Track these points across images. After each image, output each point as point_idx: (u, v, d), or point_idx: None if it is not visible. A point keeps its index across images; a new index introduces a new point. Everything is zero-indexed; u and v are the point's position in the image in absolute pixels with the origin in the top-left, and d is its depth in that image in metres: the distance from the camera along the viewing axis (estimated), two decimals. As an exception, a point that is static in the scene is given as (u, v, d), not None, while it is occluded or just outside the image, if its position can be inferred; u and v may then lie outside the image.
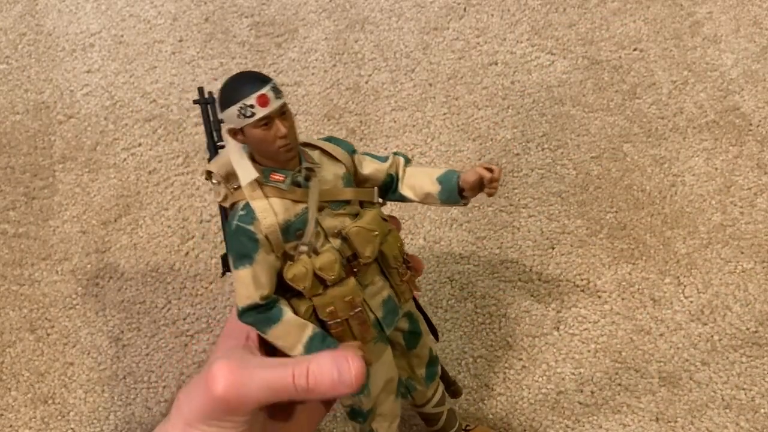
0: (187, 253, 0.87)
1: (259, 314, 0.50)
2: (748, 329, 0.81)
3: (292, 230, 0.50)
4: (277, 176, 0.50)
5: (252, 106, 0.47)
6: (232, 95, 0.47)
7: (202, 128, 0.98)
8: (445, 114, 0.97)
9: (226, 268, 0.55)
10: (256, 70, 0.50)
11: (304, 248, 0.50)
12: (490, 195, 0.54)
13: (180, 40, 1.06)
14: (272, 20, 1.07)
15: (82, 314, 0.84)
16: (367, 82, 0.99)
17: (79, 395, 0.79)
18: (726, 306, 0.82)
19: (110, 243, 0.89)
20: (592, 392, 0.78)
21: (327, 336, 0.51)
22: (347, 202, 0.52)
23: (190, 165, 0.94)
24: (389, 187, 0.56)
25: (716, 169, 0.91)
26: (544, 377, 0.78)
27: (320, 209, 0.51)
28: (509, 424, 0.76)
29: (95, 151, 0.97)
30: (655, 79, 0.99)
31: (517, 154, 0.93)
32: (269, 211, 0.49)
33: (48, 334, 0.83)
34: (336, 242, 0.52)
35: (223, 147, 0.56)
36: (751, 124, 0.94)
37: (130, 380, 0.80)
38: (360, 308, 0.52)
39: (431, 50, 1.01)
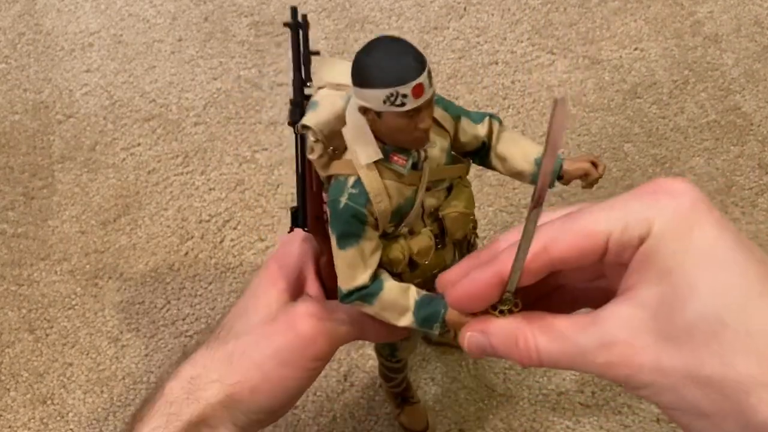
0: (186, 254, 0.87)
1: (362, 291, 0.46)
2: (749, 330, 0.80)
3: (399, 213, 0.47)
4: (399, 158, 0.44)
5: (405, 96, 0.40)
6: (381, 76, 0.40)
7: (201, 128, 0.97)
8: (445, 113, 0.96)
9: (295, 224, 0.52)
10: (397, 36, 0.42)
11: (404, 229, 0.48)
12: (585, 188, 0.51)
13: (179, 40, 1.06)
14: (272, 19, 1.07)
15: (81, 314, 0.84)
16: (367, 82, 0.99)
17: (78, 396, 0.79)
18: (727, 306, 0.82)
19: (109, 243, 0.89)
20: (593, 393, 0.77)
21: (431, 295, 0.47)
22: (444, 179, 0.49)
23: (190, 165, 0.94)
24: (478, 152, 0.52)
25: (717, 169, 0.91)
26: (545, 378, 0.78)
27: (426, 189, 0.47)
28: (510, 425, 0.76)
29: (94, 151, 0.96)
30: (655, 79, 0.99)
31: (518, 154, 0.93)
32: (384, 195, 0.44)
33: (47, 335, 0.83)
34: (429, 221, 0.49)
35: (309, 86, 0.50)
36: (752, 124, 0.94)
37: (129, 381, 0.79)
38: None
39: (431, 50, 1.01)
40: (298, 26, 0.50)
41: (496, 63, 1.01)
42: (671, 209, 0.27)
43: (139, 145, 0.96)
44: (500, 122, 0.51)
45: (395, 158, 0.44)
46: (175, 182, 0.93)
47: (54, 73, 1.04)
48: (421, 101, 0.41)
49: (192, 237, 0.89)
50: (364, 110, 0.43)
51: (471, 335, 0.33)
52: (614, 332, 0.28)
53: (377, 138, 0.44)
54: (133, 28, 1.08)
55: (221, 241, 0.88)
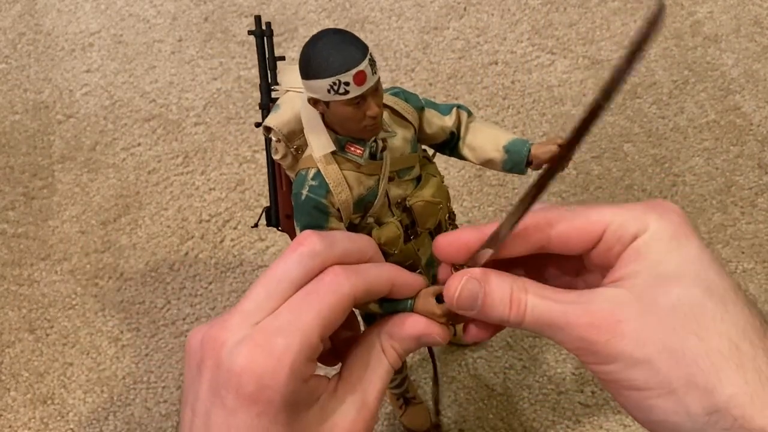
0: (186, 253, 0.87)
1: None
2: (749, 329, 0.80)
3: (362, 203, 0.47)
4: (355, 149, 0.45)
5: (347, 84, 0.41)
6: (323, 65, 0.41)
7: (201, 128, 0.98)
8: (445, 113, 0.96)
9: (268, 222, 0.53)
10: (343, 29, 0.43)
11: (370, 220, 0.48)
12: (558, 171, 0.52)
13: (179, 40, 1.06)
14: (272, 19, 1.07)
15: (82, 314, 0.84)
16: (367, 82, 0.99)
17: (78, 396, 0.79)
18: (727, 306, 0.82)
19: (109, 243, 0.89)
20: (593, 392, 0.77)
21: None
22: (411, 167, 0.49)
23: (190, 165, 0.94)
24: (448, 143, 0.52)
25: (717, 168, 0.91)
26: (545, 377, 0.78)
27: (389, 179, 0.48)
28: (510, 425, 0.76)
29: (94, 151, 0.96)
30: (655, 79, 0.99)
31: (518, 154, 0.93)
32: (344, 185, 0.45)
33: (47, 335, 0.83)
34: (398, 212, 0.49)
35: (275, 89, 0.51)
36: (751, 124, 0.94)
37: (130, 381, 0.79)
38: (420, 270, 0.51)
39: (431, 50, 1.01)
40: (262, 34, 0.53)
41: (496, 63, 1.01)
42: (667, 219, 0.31)
43: (139, 145, 0.96)
44: (468, 112, 0.52)
45: (351, 148, 0.45)
46: (176, 182, 0.93)
47: (54, 73, 1.04)
48: (364, 88, 0.42)
49: (192, 237, 0.89)
50: (314, 102, 0.44)
51: (468, 279, 0.33)
52: (600, 301, 0.30)
53: (331, 129, 0.45)
54: (133, 28, 1.08)
55: (221, 241, 0.88)
